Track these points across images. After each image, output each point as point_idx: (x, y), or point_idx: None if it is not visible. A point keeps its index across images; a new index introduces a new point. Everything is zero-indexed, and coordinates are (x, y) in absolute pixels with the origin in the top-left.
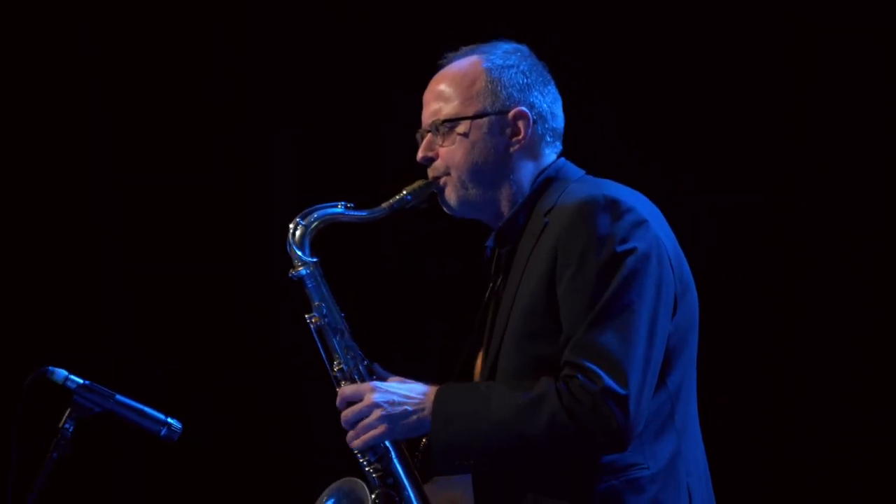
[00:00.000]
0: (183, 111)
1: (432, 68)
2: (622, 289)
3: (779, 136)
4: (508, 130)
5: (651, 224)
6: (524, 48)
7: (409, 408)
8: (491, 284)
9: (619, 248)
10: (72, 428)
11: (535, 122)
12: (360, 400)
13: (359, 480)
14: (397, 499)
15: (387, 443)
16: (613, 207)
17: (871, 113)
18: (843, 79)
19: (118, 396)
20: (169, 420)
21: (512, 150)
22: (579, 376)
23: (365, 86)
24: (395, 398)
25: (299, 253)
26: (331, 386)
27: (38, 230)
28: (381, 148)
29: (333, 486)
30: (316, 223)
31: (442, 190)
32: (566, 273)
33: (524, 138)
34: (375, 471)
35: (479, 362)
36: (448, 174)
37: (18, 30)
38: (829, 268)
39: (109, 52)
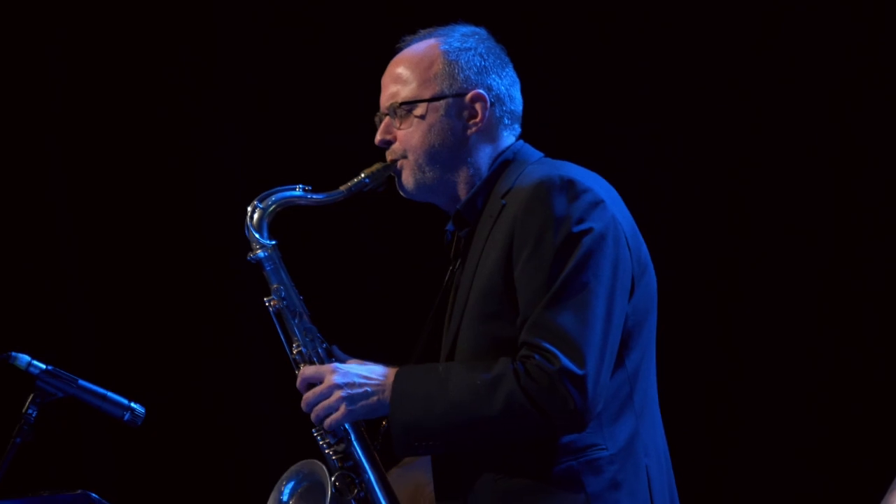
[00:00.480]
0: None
1: (392, 52)
2: (579, 269)
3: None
4: (466, 113)
5: (608, 204)
6: (482, 31)
7: (369, 389)
8: (451, 268)
9: (576, 229)
10: (35, 413)
11: (492, 104)
12: (321, 381)
13: (318, 462)
14: (357, 480)
15: (346, 425)
16: (570, 188)
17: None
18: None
19: (81, 381)
20: (132, 405)
21: (469, 132)
22: (536, 356)
23: (324, 67)
24: (356, 379)
25: (257, 236)
26: (291, 369)
27: None
28: (342, 135)
29: (293, 468)
30: (274, 206)
31: (399, 173)
32: (522, 253)
33: (481, 121)
34: (335, 453)
35: (440, 345)
36: (405, 157)
37: None
38: (774, 257)
39: (72, 54)
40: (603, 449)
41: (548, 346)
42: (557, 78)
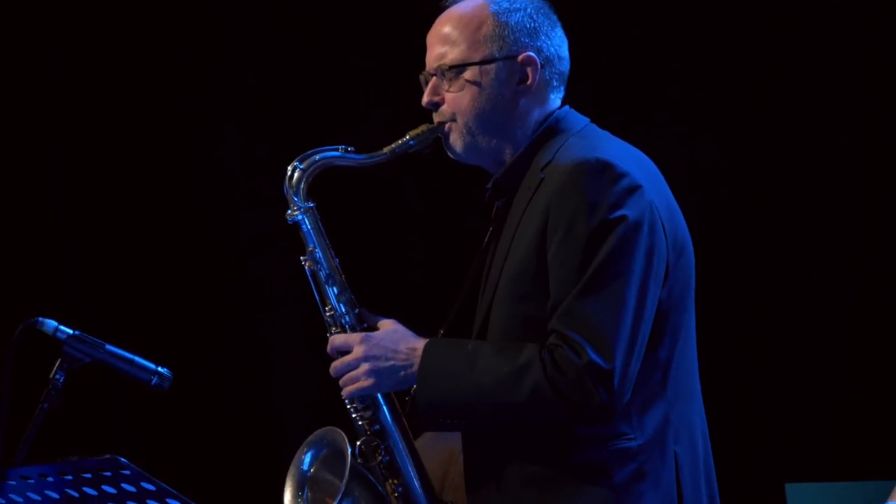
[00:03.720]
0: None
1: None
2: (612, 258)
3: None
4: (516, 76)
5: (645, 189)
6: None
7: (396, 363)
8: (491, 229)
9: (610, 216)
10: (62, 379)
11: (542, 66)
12: (349, 351)
13: (338, 430)
14: (382, 446)
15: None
16: (606, 172)
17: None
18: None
19: (108, 346)
20: (159, 369)
21: (519, 96)
22: (565, 348)
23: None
24: (384, 353)
25: (295, 198)
26: (317, 334)
27: None
28: (342, 135)
29: (312, 436)
30: (314, 167)
31: (447, 135)
32: (555, 237)
33: (532, 84)
34: (362, 418)
35: (474, 313)
36: (454, 120)
37: None
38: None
39: (72, 54)
40: (631, 439)
41: (577, 337)
42: (587, 77)
